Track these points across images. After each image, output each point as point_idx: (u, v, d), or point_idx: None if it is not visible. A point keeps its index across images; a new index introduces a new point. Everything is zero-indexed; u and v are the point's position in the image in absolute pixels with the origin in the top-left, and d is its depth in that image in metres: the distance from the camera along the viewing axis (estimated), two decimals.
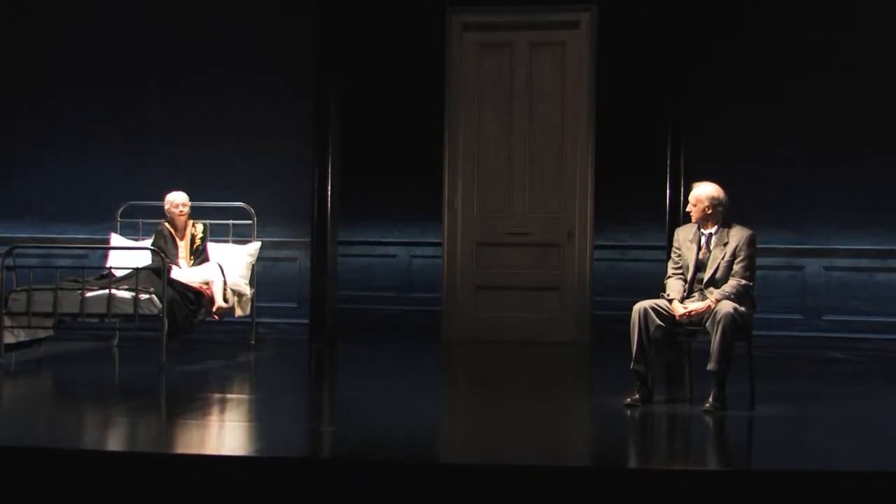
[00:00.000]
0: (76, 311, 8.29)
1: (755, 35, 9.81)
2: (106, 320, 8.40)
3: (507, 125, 10.27)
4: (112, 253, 9.29)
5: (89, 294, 8.29)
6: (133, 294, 8.24)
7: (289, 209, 10.22)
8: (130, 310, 8.22)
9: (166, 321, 8.19)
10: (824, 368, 8.99)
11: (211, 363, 8.63)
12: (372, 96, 10.28)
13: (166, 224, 9.20)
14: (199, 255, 9.19)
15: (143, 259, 8.82)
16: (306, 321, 9.99)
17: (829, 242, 9.76)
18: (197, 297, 8.76)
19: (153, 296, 8.24)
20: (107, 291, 8.26)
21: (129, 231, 9.78)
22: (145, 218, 9.73)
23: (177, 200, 9.18)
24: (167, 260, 8.51)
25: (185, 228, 9.20)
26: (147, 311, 8.23)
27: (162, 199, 9.29)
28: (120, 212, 9.84)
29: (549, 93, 10.21)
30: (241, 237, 9.73)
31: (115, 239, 9.59)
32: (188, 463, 5.50)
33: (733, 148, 9.73)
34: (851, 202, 9.70)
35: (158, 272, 8.31)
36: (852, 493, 5.16)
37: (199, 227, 9.28)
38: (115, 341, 9.49)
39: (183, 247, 9.15)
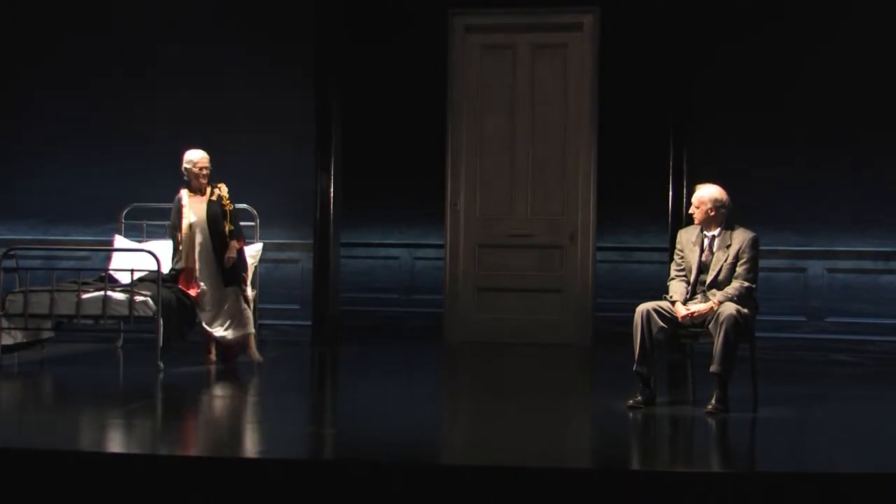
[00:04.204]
0: (72, 312, 8.29)
1: (757, 37, 9.79)
2: (101, 322, 8.39)
3: (510, 127, 10.26)
4: (115, 255, 9.27)
5: (85, 296, 8.28)
6: (128, 296, 8.23)
7: (291, 211, 10.21)
8: (126, 311, 8.23)
9: (162, 323, 8.18)
10: (827, 370, 8.97)
11: (212, 365, 8.61)
12: (374, 98, 10.27)
13: (183, 191, 8.70)
14: (235, 223, 8.62)
15: (145, 261, 8.76)
16: (308, 323, 10.00)
17: (832, 244, 9.74)
18: (193, 304, 8.59)
19: (148, 298, 8.23)
20: (102, 293, 8.26)
21: (133, 233, 9.77)
22: (149, 220, 9.73)
23: (196, 158, 8.60)
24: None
25: (204, 193, 8.67)
26: (142, 313, 8.23)
27: (163, 202, 9.24)
28: (124, 214, 9.84)
29: (551, 95, 10.20)
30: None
31: (119, 241, 9.58)
32: (189, 465, 5.50)
33: (736, 150, 9.72)
34: (854, 204, 9.68)
35: (154, 279, 8.29)
36: (855, 496, 5.15)
37: (224, 188, 8.66)
38: (120, 343, 9.49)
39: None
